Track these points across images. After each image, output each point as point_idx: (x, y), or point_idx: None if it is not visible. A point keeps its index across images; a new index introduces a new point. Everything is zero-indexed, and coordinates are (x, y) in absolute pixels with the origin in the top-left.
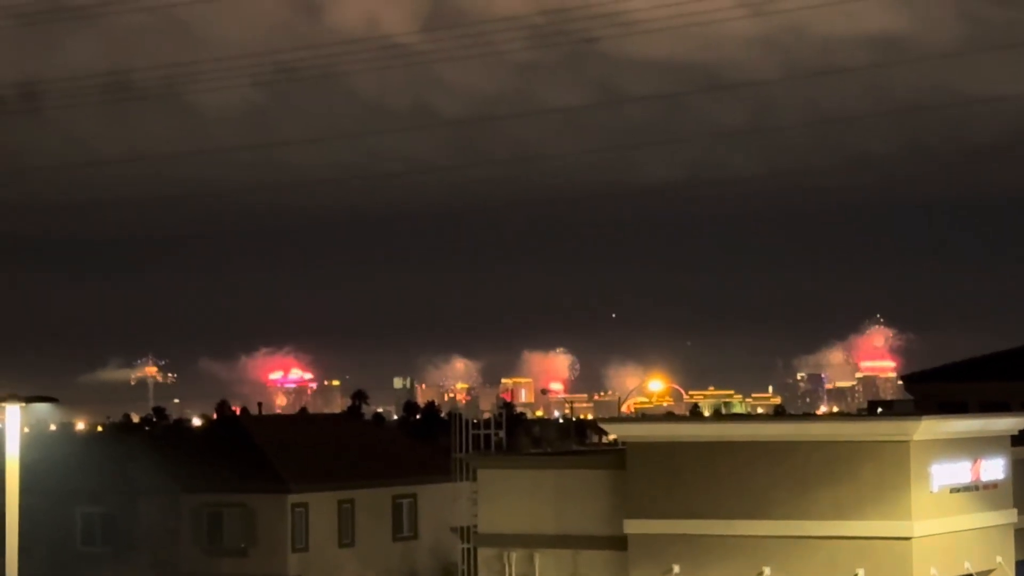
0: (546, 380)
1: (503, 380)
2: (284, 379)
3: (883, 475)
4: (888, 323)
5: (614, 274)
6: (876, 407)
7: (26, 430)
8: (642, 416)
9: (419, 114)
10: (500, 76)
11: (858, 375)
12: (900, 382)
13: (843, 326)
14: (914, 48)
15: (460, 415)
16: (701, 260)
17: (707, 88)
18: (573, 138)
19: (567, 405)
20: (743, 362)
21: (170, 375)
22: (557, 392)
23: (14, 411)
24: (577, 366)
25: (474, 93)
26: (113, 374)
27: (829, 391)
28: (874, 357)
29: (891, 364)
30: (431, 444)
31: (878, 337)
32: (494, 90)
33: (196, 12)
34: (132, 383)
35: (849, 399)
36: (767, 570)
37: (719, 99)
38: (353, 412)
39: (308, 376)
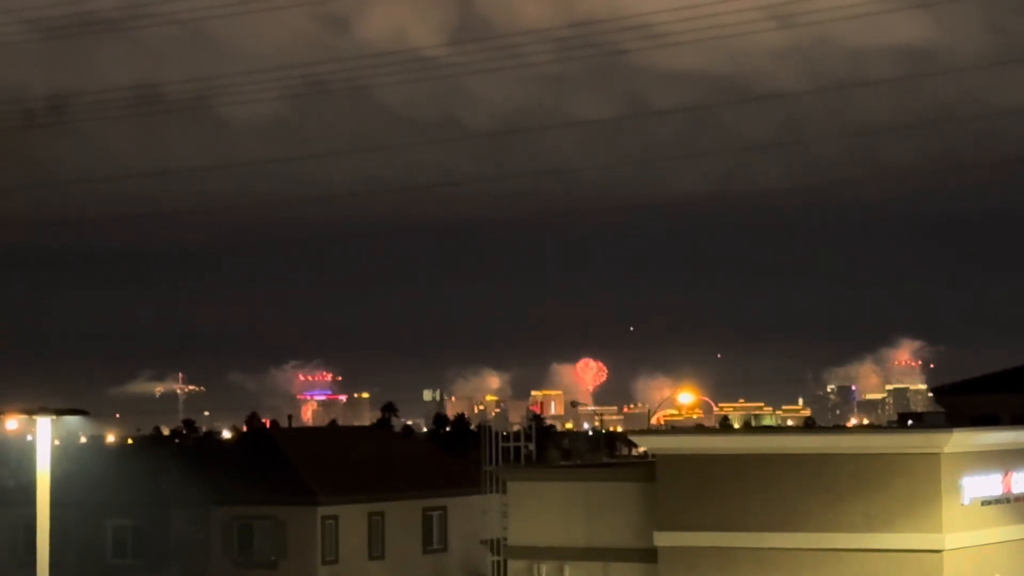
0: (577, 392)
1: (533, 392)
2: (314, 392)
3: (914, 487)
4: (918, 335)
5: (643, 286)
6: (907, 419)
7: (57, 443)
8: (672, 428)
9: (447, 127)
10: (528, 89)
11: (888, 387)
12: (931, 394)
13: (873, 338)
14: (942, 59)
15: (490, 427)
16: (730, 272)
17: (736, 100)
18: (601, 150)
19: (597, 417)
20: (773, 374)
21: (200, 387)
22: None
23: (45, 424)
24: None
25: (502, 106)
26: (143, 387)
27: (859, 403)
28: (904, 369)
29: (922, 376)
30: (461, 457)
31: (909, 349)
32: (522, 103)
33: (225, 25)
34: (158, 395)
35: (879, 411)
36: None
37: (748, 111)
38: (383, 424)
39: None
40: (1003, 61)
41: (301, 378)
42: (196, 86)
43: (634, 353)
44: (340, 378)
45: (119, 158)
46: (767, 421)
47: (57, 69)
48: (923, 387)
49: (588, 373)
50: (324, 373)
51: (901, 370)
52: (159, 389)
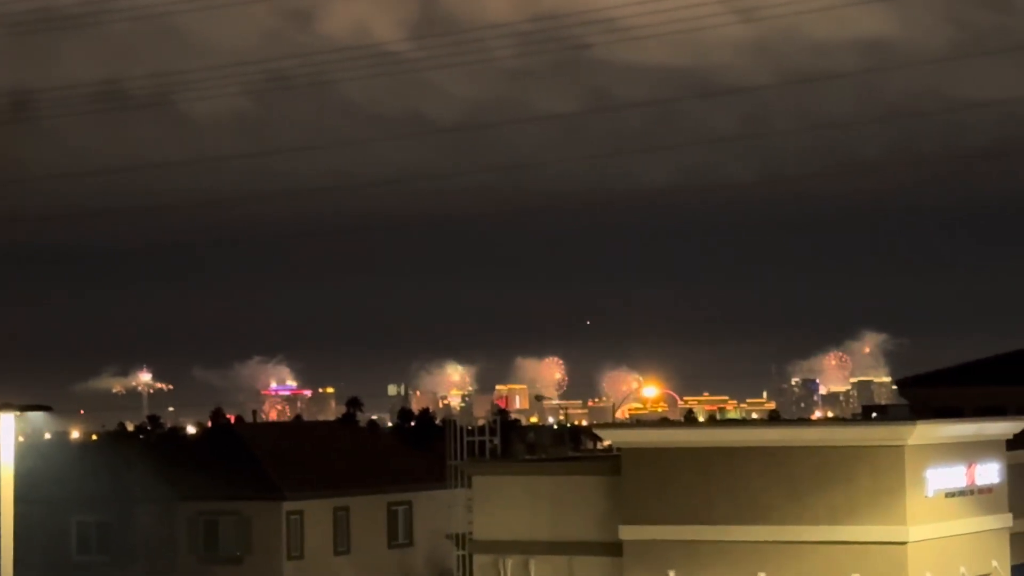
0: (542, 386)
1: (497, 387)
2: (278, 387)
3: (878, 480)
4: (882, 328)
5: (607, 280)
6: (871, 412)
7: (21, 439)
8: (637, 422)
9: (411, 121)
10: (492, 83)
11: (852, 380)
12: (894, 387)
13: (837, 331)
14: (905, 53)
15: (455, 422)
16: (694, 266)
17: (700, 94)
18: (566, 145)
19: (562, 411)
20: (737, 367)
21: (164, 385)
22: (551, 400)
23: (8, 420)
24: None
25: (466, 100)
26: (107, 383)
27: (823, 396)
28: (868, 362)
29: (885, 369)
30: (426, 451)
31: (872, 342)
32: (486, 97)
33: (188, 21)
34: (123, 392)
35: (843, 404)
36: (762, 575)
37: (712, 105)
38: (347, 419)
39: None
40: (965, 54)
41: (265, 374)
42: (159, 81)
43: (598, 347)
44: (304, 373)
45: (82, 154)
46: (731, 415)
47: (19, 65)
48: (887, 380)
49: (554, 372)
50: (288, 369)
51: (865, 363)
52: (118, 389)
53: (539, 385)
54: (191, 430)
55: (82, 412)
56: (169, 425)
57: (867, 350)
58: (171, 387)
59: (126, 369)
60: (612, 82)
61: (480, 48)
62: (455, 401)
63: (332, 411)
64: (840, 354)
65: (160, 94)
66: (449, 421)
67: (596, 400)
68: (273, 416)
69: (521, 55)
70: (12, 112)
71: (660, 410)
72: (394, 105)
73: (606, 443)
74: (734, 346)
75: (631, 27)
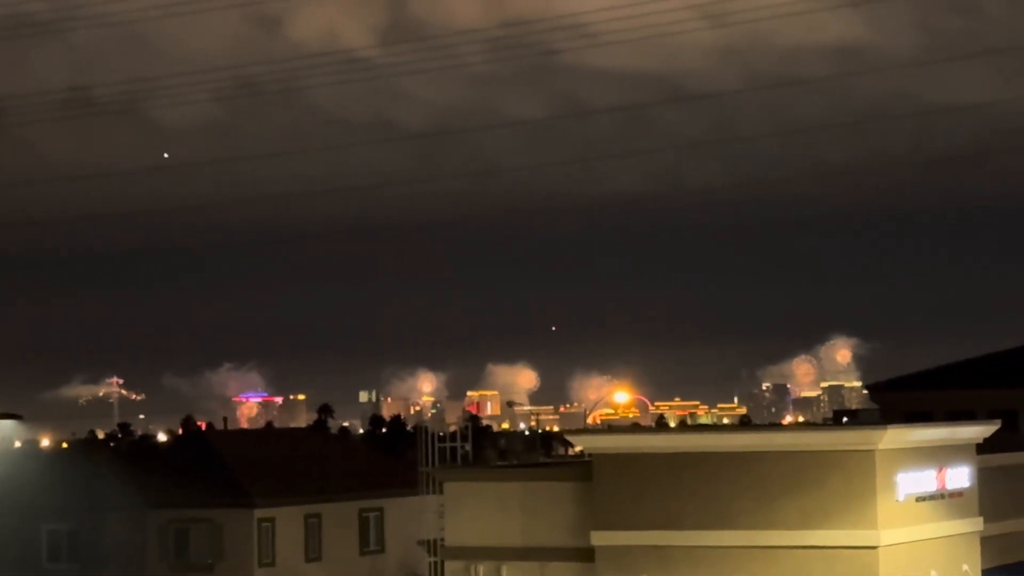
0: (513, 392)
1: (469, 393)
2: (249, 394)
3: (849, 484)
4: (853, 332)
5: (578, 285)
6: (841, 417)
7: None
8: (608, 428)
9: (381, 127)
10: (462, 89)
11: (823, 384)
12: (865, 391)
13: (808, 336)
14: (874, 58)
15: (426, 428)
16: (665, 271)
17: (669, 99)
18: (535, 150)
19: (533, 417)
20: (708, 373)
21: (134, 394)
22: (522, 406)
23: None
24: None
25: (435, 106)
26: (76, 391)
27: (794, 401)
28: (839, 367)
29: (856, 374)
30: (397, 458)
31: (843, 347)
32: (455, 103)
33: (156, 27)
34: (91, 401)
35: (815, 409)
36: None
37: (681, 110)
38: (319, 426)
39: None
40: (934, 59)
41: (236, 381)
42: (128, 88)
43: (569, 352)
44: (275, 380)
45: (51, 161)
46: (703, 420)
47: None
48: (858, 384)
49: (526, 381)
50: (259, 375)
51: (836, 368)
52: (98, 393)
53: (510, 391)
54: (162, 438)
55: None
56: (140, 433)
57: (838, 355)
58: (142, 397)
59: (96, 377)
60: (582, 87)
61: (450, 54)
62: (426, 407)
63: (303, 418)
64: (811, 359)
65: (130, 101)
66: (420, 427)
67: (567, 406)
68: (244, 423)
69: (491, 61)
70: None
71: (631, 416)
72: (364, 111)
73: (577, 449)
74: (705, 351)
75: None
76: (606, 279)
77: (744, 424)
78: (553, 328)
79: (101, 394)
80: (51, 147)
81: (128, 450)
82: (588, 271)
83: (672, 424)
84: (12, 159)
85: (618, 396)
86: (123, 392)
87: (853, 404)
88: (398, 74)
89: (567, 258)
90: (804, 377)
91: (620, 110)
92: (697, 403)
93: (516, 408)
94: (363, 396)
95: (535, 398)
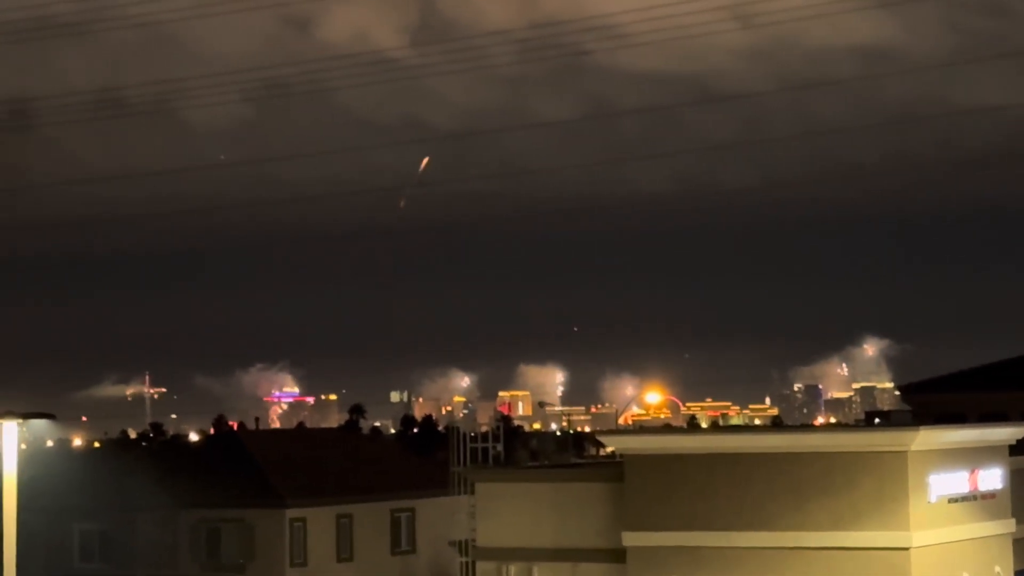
0: (544, 393)
1: (500, 393)
2: (280, 394)
3: (881, 486)
4: (885, 333)
5: (608, 286)
6: (873, 418)
7: (23, 447)
8: (640, 428)
9: (410, 128)
10: (491, 90)
11: (855, 386)
12: (897, 393)
13: (839, 337)
14: (903, 59)
15: (458, 429)
16: (696, 272)
17: (698, 100)
18: (565, 151)
19: (565, 418)
20: (740, 373)
21: (166, 391)
22: (553, 406)
23: (11, 428)
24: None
25: (464, 107)
26: (109, 390)
27: (826, 402)
28: (871, 368)
29: (888, 375)
30: (429, 458)
31: (875, 348)
32: (484, 104)
33: (186, 28)
34: (129, 398)
35: (846, 410)
36: None
37: (710, 111)
38: (350, 426)
39: (296, 391)
40: (962, 60)
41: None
42: (158, 89)
43: (600, 353)
44: (306, 380)
45: (82, 162)
46: (734, 420)
47: (18, 73)
48: (890, 385)
49: (555, 381)
50: (290, 376)
51: (868, 369)
52: (129, 392)
53: (541, 392)
54: (194, 437)
55: (84, 420)
56: (171, 433)
57: (870, 356)
58: (173, 396)
59: (128, 377)
60: (611, 88)
61: (480, 55)
62: (458, 408)
63: (335, 418)
64: (843, 360)
65: (160, 102)
66: (452, 428)
67: (599, 406)
68: (276, 423)
69: (520, 62)
70: (12, 120)
71: (663, 416)
72: (393, 112)
73: (609, 449)
74: (737, 352)
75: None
76: (637, 279)
77: (776, 425)
78: (575, 328)
79: (136, 393)
80: (81, 148)
81: (160, 450)
82: (619, 271)
83: (704, 425)
84: (44, 160)
85: (650, 397)
86: (154, 391)
87: (885, 405)
88: (428, 75)
89: (597, 258)
90: (836, 378)
91: (649, 111)
92: (729, 404)
93: (547, 409)
94: (394, 396)
95: (566, 399)
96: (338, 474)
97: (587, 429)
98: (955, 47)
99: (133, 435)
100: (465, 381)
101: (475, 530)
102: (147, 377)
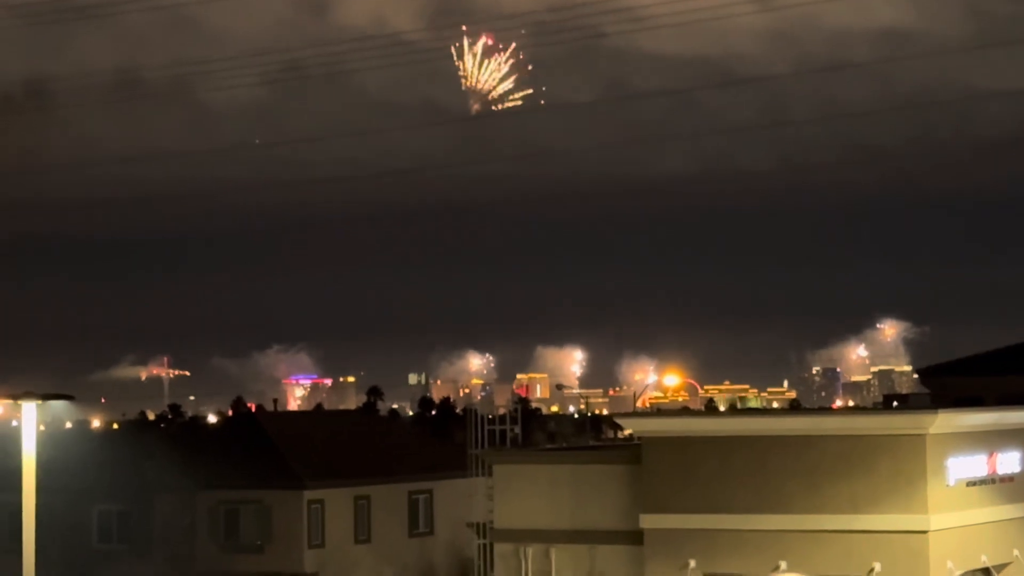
0: (562, 375)
1: (518, 375)
2: (298, 376)
3: (899, 469)
4: (903, 316)
5: (627, 268)
6: (892, 401)
7: (42, 428)
8: (657, 411)
9: (428, 111)
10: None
11: (873, 369)
12: (916, 376)
13: (857, 319)
14: (923, 42)
15: (475, 411)
16: (714, 254)
17: (717, 83)
18: (583, 134)
19: (582, 400)
20: (758, 356)
21: (184, 372)
22: (572, 389)
23: (30, 408)
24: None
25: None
26: (127, 372)
27: (844, 385)
28: (889, 351)
29: (906, 358)
30: (447, 440)
31: (893, 331)
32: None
33: (204, 10)
34: (144, 379)
35: (864, 393)
36: (783, 564)
37: (729, 94)
38: (368, 408)
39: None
40: (983, 44)
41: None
42: (177, 71)
43: (618, 335)
44: (324, 363)
45: (99, 144)
46: (752, 403)
47: (37, 54)
48: (908, 368)
49: (573, 363)
50: (307, 358)
51: (886, 352)
52: (146, 373)
53: (559, 374)
54: (212, 419)
55: (103, 401)
56: (190, 414)
57: (888, 339)
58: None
59: (145, 358)
60: (629, 71)
61: (497, 38)
62: (476, 390)
63: (353, 400)
64: (861, 343)
65: (178, 83)
66: (470, 410)
67: (617, 389)
68: (293, 405)
69: (538, 45)
70: (29, 101)
71: (681, 399)
72: (411, 94)
73: (627, 432)
74: (754, 335)
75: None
76: (655, 262)
77: (794, 408)
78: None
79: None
80: (99, 130)
81: (178, 431)
82: (636, 254)
83: (721, 407)
84: (60, 142)
85: (668, 379)
86: (175, 373)
87: (903, 388)
88: (445, 58)
89: (615, 241)
90: (854, 361)
91: (667, 94)
92: (747, 387)
93: (565, 391)
94: (412, 379)
95: (584, 381)
96: (356, 456)
97: (605, 411)
98: (977, 31)
99: (152, 416)
100: (482, 363)
101: (492, 512)
102: (166, 360)
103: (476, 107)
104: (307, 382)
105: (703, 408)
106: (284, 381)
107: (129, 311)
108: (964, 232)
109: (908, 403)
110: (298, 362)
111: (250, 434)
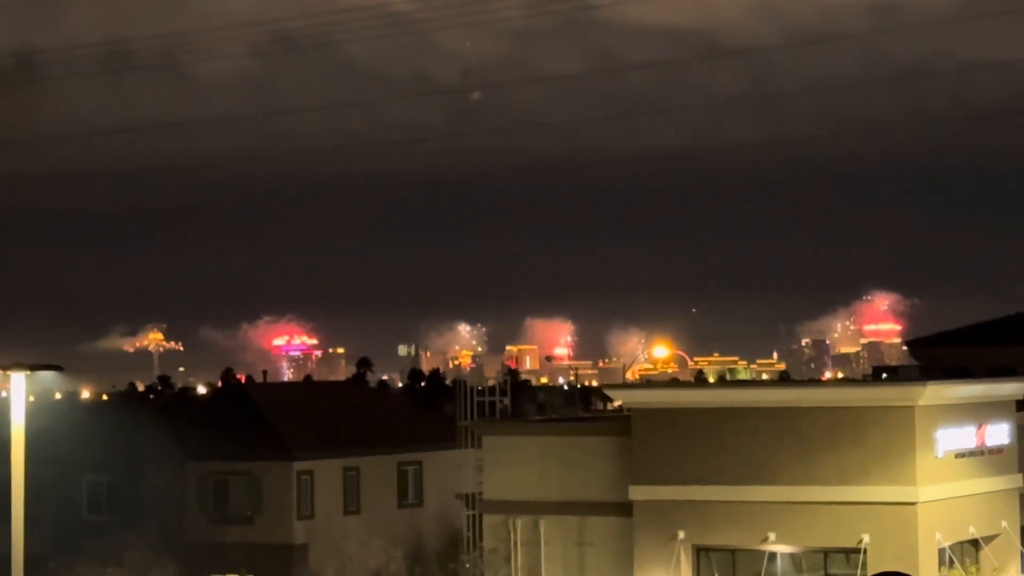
0: (550, 347)
1: (507, 347)
2: (288, 346)
3: (888, 440)
4: (892, 288)
5: (616, 240)
6: (881, 372)
7: (31, 399)
8: (647, 382)
9: (417, 82)
10: (498, 44)
11: (863, 340)
12: (905, 347)
13: (847, 291)
14: (913, 13)
15: (465, 382)
16: (703, 226)
17: (707, 55)
18: (572, 106)
19: (572, 372)
20: (747, 328)
21: (175, 343)
22: (562, 359)
23: (19, 379)
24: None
25: (472, 61)
26: (116, 343)
27: (833, 357)
28: (879, 322)
29: (896, 329)
30: (436, 411)
31: (882, 302)
32: (492, 58)
33: None
34: (132, 351)
35: (854, 365)
36: (772, 535)
37: (718, 66)
38: (358, 380)
39: (312, 342)
40: (973, 15)
41: (274, 334)
42: (165, 43)
43: (608, 307)
44: (313, 334)
45: (87, 115)
46: (741, 375)
47: (23, 25)
48: (897, 340)
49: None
50: (297, 328)
51: (875, 323)
52: (136, 344)
53: (549, 346)
54: (201, 390)
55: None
56: (179, 385)
57: (878, 310)
58: (179, 345)
59: (135, 329)
60: (618, 43)
61: (487, 9)
62: (465, 361)
63: (343, 371)
64: (850, 315)
65: (165, 55)
66: (459, 381)
67: (606, 361)
68: (288, 376)
69: (527, 16)
70: (16, 72)
71: (670, 371)
72: (401, 66)
73: (616, 403)
74: (744, 306)
75: None
76: (644, 234)
77: (783, 380)
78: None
79: (145, 344)
80: (87, 102)
81: (168, 402)
82: (626, 226)
83: (711, 379)
84: (47, 114)
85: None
86: (169, 345)
87: (892, 360)
88: (435, 28)
89: (605, 213)
90: (843, 333)
91: (656, 66)
92: (736, 358)
93: (555, 363)
94: (402, 350)
95: (574, 353)
96: (346, 427)
97: (594, 383)
98: (966, 1)
99: (141, 388)
100: (472, 335)
101: (482, 483)
102: (158, 329)
103: (476, 96)
104: (297, 353)
105: (692, 380)
106: (273, 352)
107: (117, 283)
108: (954, 205)
109: (897, 375)
110: (288, 333)
111: (239, 405)
